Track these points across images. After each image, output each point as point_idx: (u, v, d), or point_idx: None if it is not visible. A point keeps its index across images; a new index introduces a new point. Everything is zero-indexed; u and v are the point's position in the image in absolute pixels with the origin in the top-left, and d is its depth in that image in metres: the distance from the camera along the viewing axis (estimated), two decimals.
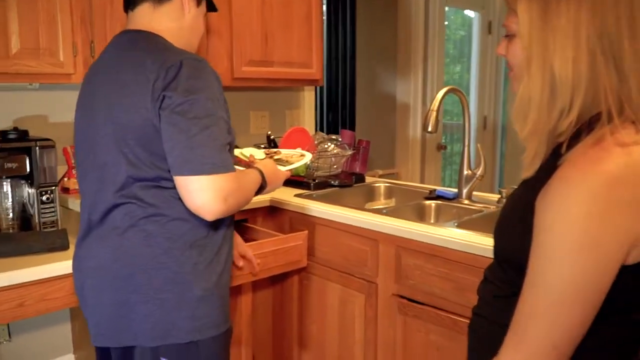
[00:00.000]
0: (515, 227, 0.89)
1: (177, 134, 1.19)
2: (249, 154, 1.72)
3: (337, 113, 4.16)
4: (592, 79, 0.81)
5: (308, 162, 1.78)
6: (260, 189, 1.46)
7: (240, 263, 1.73)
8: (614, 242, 0.74)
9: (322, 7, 2.64)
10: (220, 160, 1.21)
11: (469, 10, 4.40)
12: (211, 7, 1.56)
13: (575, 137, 0.82)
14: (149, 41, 1.32)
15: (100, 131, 1.30)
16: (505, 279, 0.92)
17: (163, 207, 1.27)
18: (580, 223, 0.75)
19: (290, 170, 1.60)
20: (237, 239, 1.72)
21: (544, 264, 0.78)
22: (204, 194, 1.19)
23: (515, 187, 0.97)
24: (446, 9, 4.01)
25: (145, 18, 1.37)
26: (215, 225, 1.35)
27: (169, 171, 1.24)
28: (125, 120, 1.25)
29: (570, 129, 0.83)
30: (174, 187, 1.25)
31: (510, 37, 0.92)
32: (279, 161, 1.70)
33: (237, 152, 1.75)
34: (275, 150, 1.82)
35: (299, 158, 1.72)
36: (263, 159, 1.64)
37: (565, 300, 0.76)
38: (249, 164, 1.62)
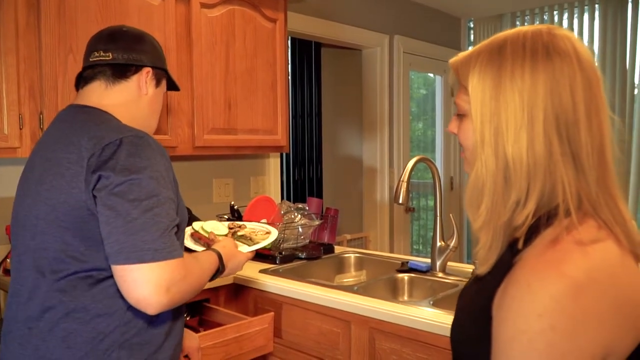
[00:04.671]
0: (471, 333, 0.81)
1: (115, 218, 1.06)
2: (210, 229, 1.58)
3: (303, 172, 4.09)
4: (549, 168, 0.74)
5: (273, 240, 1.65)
6: (217, 273, 1.33)
7: None
8: (583, 358, 0.66)
9: (287, 75, 2.60)
10: (163, 245, 1.07)
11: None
12: (172, 86, 1.46)
13: (534, 231, 0.75)
14: (91, 116, 1.21)
15: (32, 212, 1.17)
16: None
17: (87, 301, 1.12)
18: (545, 339, 0.66)
19: (252, 251, 1.48)
20: (186, 333, 1.51)
21: None
22: (142, 285, 1.04)
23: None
24: (410, 74, 4.06)
25: (94, 94, 1.27)
26: (154, 318, 1.18)
27: (106, 259, 1.10)
28: (56, 202, 1.12)
29: (528, 222, 0.76)
30: (108, 278, 1.12)
31: (461, 116, 0.85)
32: (243, 237, 1.57)
33: (197, 226, 1.60)
34: (240, 224, 1.68)
35: (264, 236, 1.59)
36: (224, 238, 1.51)
37: None
38: (209, 242, 1.50)
